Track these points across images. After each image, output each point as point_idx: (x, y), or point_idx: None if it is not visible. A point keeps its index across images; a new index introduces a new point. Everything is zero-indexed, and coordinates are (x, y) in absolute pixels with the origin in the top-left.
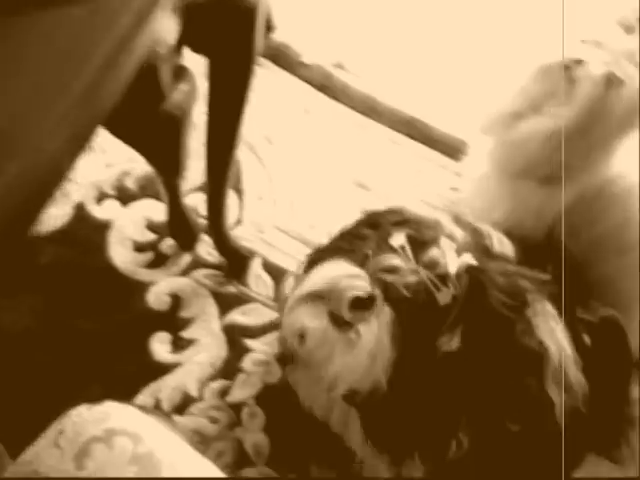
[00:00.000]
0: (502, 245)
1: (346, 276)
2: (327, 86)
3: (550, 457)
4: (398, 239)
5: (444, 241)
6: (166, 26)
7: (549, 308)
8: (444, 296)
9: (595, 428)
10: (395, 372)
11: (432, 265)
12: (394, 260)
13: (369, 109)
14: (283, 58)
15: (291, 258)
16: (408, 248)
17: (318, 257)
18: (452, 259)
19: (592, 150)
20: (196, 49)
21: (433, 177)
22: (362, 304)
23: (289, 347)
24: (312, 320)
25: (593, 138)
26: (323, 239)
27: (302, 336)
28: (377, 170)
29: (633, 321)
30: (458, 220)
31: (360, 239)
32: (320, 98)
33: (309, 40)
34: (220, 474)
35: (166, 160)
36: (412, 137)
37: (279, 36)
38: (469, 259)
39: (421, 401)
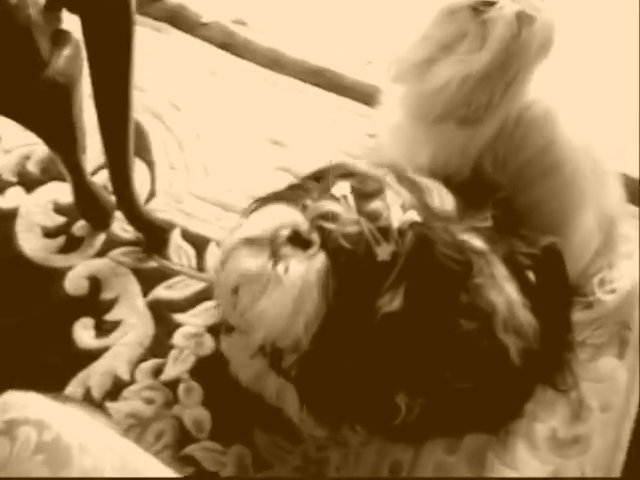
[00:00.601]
0: (442, 201)
1: (285, 218)
2: (230, 44)
3: (502, 395)
4: (341, 188)
5: (389, 195)
6: None
7: (495, 262)
8: (384, 251)
9: (544, 361)
10: (326, 329)
11: (374, 217)
12: (334, 206)
13: (275, 63)
14: (182, 20)
15: (212, 225)
16: (351, 198)
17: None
18: (396, 213)
19: (509, 87)
20: (71, 9)
21: (349, 126)
22: (299, 243)
23: (224, 309)
24: (250, 261)
25: (510, 75)
26: (243, 202)
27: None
28: (291, 125)
29: (569, 242)
30: (400, 176)
31: (303, 190)
32: (224, 57)
33: None
34: (134, 450)
35: (59, 135)
36: (323, 87)
37: None
38: (414, 215)
39: (358, 364)
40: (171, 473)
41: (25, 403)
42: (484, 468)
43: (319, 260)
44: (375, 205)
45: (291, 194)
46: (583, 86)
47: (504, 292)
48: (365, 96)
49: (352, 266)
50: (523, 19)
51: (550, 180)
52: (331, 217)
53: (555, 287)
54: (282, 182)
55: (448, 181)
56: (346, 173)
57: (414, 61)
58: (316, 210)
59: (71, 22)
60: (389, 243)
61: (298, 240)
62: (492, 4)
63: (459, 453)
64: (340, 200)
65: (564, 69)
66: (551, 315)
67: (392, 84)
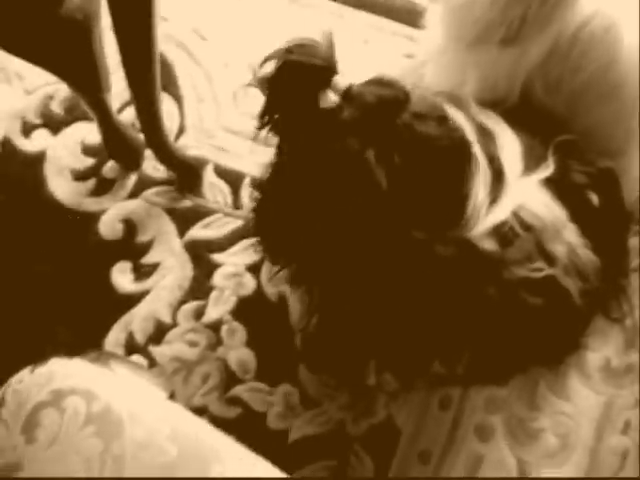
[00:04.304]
0: (509, 147)
1: None
2: None
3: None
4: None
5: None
6: None
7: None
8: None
9: (602, 293)
10: None
11: None
12: None
13: None
14: None
15: (245, 159)
16: None
17: None
18: None
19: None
20: None
21: (383, 46)
22: None
23: None
24: None
25: None
26: None
27: None
28: None
29: (628, 168)
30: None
31: None
32: None
33: None
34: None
35: (81, 74)
36: (353, 5)
37: None
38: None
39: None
40: (223, 437)
41: (70, 372)
42: (536, 400)
43: None
44: None
45: None
46: None
47: (564, 239)
48: (399, 12)
49: None
50: None
51: (611, 103)
52: None
53: (612, 210)
54: None
55: (496, 106)
56: None
57: None
58: None
59: None
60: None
61: None
62: None
63: (510, 386)
64: None
65: None
66: (608, 241)
67: (430, 2)
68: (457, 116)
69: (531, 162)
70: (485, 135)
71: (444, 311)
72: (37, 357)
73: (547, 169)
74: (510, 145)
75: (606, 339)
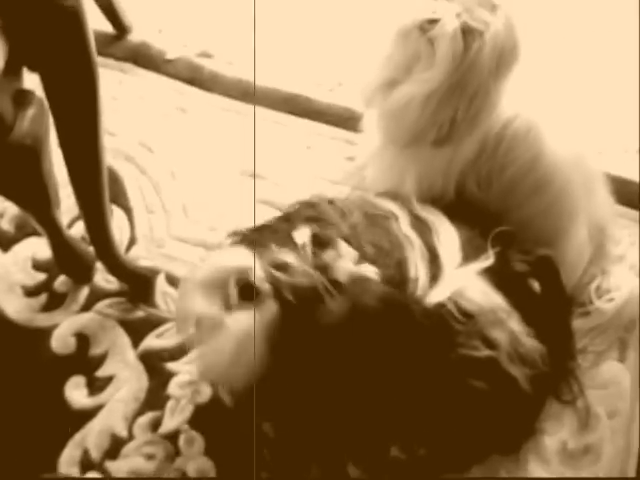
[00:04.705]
0: (448, 238)
1: (239, 264)
2: (197, 78)
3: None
4: (302, 235)
5: (343, 246)
6: None
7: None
8: (334, 303)
9: (551, 377)
10: (271, 379)
11: (327, 270)
12: (288, 257)
13: (245, 94)
14: (146, 58)
15: (196, 267)
16: (309, 246)
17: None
18: (348, 266)
19: (473, 103)
20: (32, 68)
21: (325, 151)
22: (250, 293)
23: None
24: (201, 303)
25: (470, 91)
26: (224, 239)
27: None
28: (266, 155)
29: (563, 255)
30: (409, 211)
31: (271, 231)
32: (193, 92)
33: (169, 34)
34: None
35: (32, 196)
36: (295, 114)
37: (138, 36)
38: (370, 270)
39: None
40: None
41: None
42: None
43: (269, 310)
44: (330, 257)
45: (259, 236)
46: (564, 94)
47: (505, 327)
48: (339, 119)
49: (302, 317)
50: (468, 33)
51: (540, 195)
52: (284, 267)
53: (553, 296)
54: (263, 216)
55: (435, 203)
56: (312, 217)
57: (379, 83)
58: (271, 259)
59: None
60: (341, 295)
61: (249, 288)
62: (436, 22)
63: (471, 476)
64: (298, 248)
65: (545, 80)
66: (552, 326)
67: (366, 109)
68: (395, 210)
69: (470, 253)
70: (424, 227)
71: (397, 394)
72: None
73: (487, 260)
74: (449, 237)
75: (561, 422)
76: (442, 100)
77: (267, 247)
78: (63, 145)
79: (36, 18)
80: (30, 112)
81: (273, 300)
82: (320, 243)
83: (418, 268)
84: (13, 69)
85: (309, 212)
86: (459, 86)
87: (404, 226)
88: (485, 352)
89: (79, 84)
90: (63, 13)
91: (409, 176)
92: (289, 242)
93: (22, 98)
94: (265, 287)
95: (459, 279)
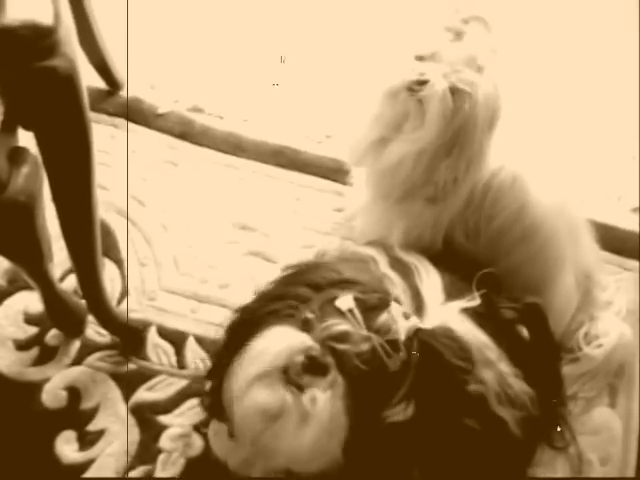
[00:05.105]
0: (430, 281)
1: (294, 343)
2: (188, 133)
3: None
4: (346, 302)
5: (394, 305)
6: None
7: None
8: (395, 363)
9: (542, 422)
10: (348, 444)
11: (383, 331)
12: (344, 326)
13: (235, 147)
14: (138, 113)
15: (187, 319)
16: (357, 312)
17: (246, 322)
18: (402, 324)
19: (463, 160)
20: (26, 127)
21: (314, 202)
22: (316, 369)
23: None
24: (269, 394)
25: (461, 148)
26: (217, 292)
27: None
28: (256, 208)
29: (551, 302)
30: (389, 256)
31: (299, 300)
32: (184, 147)
33: (161, 89)
34: None
35: (25, 252)
36: (284, 166)
37: (130, 92)
38: (417, 323)
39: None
40: None
41: None
42: None
43: (340, 384)
44: (382, 318)
45: (286, 308)
46: (546, 144)
47: (493, 365)
48: (327, 171)
49: (368, 381)
50: (457, 93)
51: (527, 244)
52: (343, 337)
53: (542, 342)
54: (254, 267)
55: (423, 253)
56: (343, 280)
57: (369, 142)
58: (326, 331)
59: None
60: (398, 354)
61: (314, 365)
62: (424, 83)
63: None
64: (346, 316)
65: (526, 131)
66: (541, 371)
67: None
68: (374, 254)
69: (454, 294)
70: (405, 269)
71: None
72: None
73: (472, 300)
74: (431, 277)
75: (553, 469)
76: (434, 158)
77: (299, 317)
78: (56, 199)
79: (31, 81)
80: (25, 170)
81: (337, 372)
82: (366, 308)
83: (402, 301)
84: (8, 127)
85: (333, 275)
86: (450, 144)
87: (383, 267)
88: (474, 387)
89: (73, 142)
90: (58, 77)
91: (397, 229)
92: (331, 311)
93: (17, 156)
94: (329, 360)
95: (443, 314)
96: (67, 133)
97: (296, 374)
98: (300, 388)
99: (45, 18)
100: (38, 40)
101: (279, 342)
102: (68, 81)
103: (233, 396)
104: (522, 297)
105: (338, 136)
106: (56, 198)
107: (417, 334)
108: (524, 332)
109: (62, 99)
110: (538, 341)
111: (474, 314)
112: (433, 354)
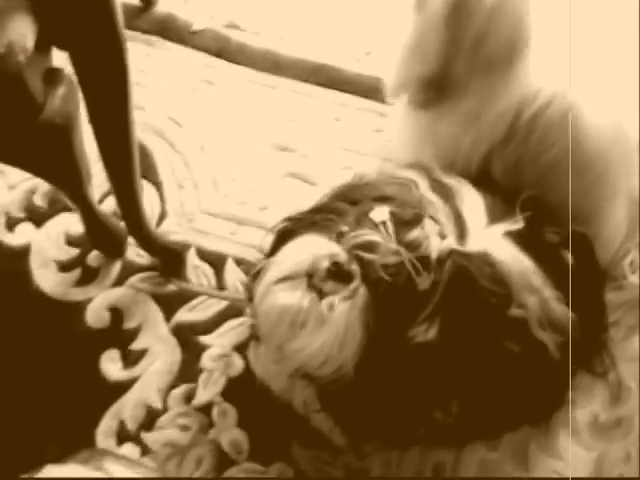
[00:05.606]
0: (472, 204)
1: (322, 250)
2: (224, 50)
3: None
4: (380, 214)
5: (428, 222)
6: (19, 29)
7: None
8: (424, 281)
9: (583, 347)
10: (366, 359)
11: (414, 246)
12: (374, 236)
13: (273, 65)
14: (173, 31)
15: (227, 241)
16: (390, 225)
17: (289, 231)
18: (435, 242)
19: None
20: (61, 46)
21: (353, 122)
22: (340, 276)
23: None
24: (288, 296)
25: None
26: (256, 214)
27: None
28: (295, 128)
29: (598, 233)
30: (430, 179)
31: (337, 214)
32: (220, 65)
33: (195, 5)
34: None
35: (64, 174)
36: (323, 85)
37: (163, 8)
38: (452, 244)
39: (394, 388)
40: None
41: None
42: (528, 461)
43: (361, 294)
44: (414, 234)
45: (324, 219)
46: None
47: (536, 290)
48: (367, 89)
49: (392, 296)
50: None
51: (580, 178)
52: (371, 247)
53: (586, 267)
54: (293, 189)
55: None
56: (382, 196)
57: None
58: (355, 239)
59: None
60: (429, 273)
61: (338, 272)
62: None
63: (501, 448)
64: (379, 227)
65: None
66: (584, 296)
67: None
68: (415, 177)
69: (497, 216)
70: (447, 192)
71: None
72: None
73: (516, 223)
74: (473, 200)
75: (592, 395)
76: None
77: (335, 230)
78: (93, 121)
79: None
80: (60, 91)
81: (361, 282)
82: (399, 222)
83: (444, 227)
84: (42, 48)
85: (375, 192)
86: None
87: (424, 190)
88: (516, 311)
89: (108, 61)
90: None
91: (428, 151)
92: (365, 222)
93: (52, 77)
94: (354, 269)
95: (487, 238)
96: (102, 52)
97: (320, 279)
98: (321, 293)
99: None
100: None
101: (306, 248)
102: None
103: (257, 297)
104: (566, 224)
105: (378, 53)
106: (93, 119)
107: (451, 255)
108: (568, 257)
109: (96, 17)
110: (582, 267)
111: (518, 237)
112: (466, 277)
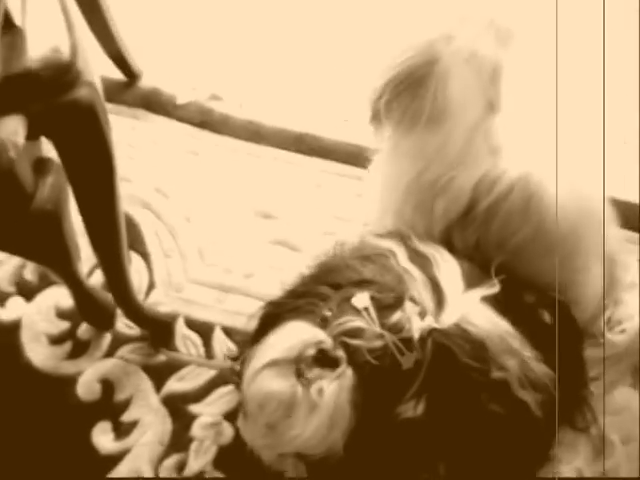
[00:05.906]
0: (448, 269)
1: (308, 337)
2: (208, 122)
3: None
4: (362, 300)
5: (408, 304)
6: (11, 127)
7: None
8: (408, 360)
9: (564, 403)
10: (352, 437)
11: (397, 329)
12: (358, 322)
13: (255, 135)
14: (157, 104)
15: (214, 309)
16: (372, 310)
17: (273, 315)
18: (416, 323)
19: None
20: (47, 135)
21: (335, 188)
22: (326, 362)
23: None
24: (276, 382)
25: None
26: (242, 282)
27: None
28: (278, 195)
29: (575, 298)
30: (406, 246)
31: (320, 298)
32: (204, 136)
33: (179, 79)
34: None
35: (54, 256)
36: (304, 153)
37: (148, 82)
38: (432, 322)
39: (381, 460)
40: None
41: None
42: None
43: (348, 377)
44: (396, 317)
45: (307, 304)
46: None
47: (515, 352)
48: (347, 156)
49: (378, 377)
50: None
51: (552, 255)
52: (356, 333)
53: (564, 326)
54: (277, 256)
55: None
56: (362, 280)
57: None
58: (340, 327)
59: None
60: (412, 352)
61: (324, 358)
62: None
63: None
64: (362, 313)
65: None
66: (564, 356)
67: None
68: (393, 247)
69: (473, 281)
70: (424, 260)
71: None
72: None
73: (492, 287)
74: (449, 267)
75: (576, 450)
76: None
77: (319, 314)
78: (79, 199)
79: (55, 116)
80: (50, 179)
81: (347, 366)
82: (381, 306)
83: (422, 297)
84: (32, 137)
85: (354, 276)
86: None
87: (402, 261)
88: (497, 374)
89: (95, 159)
90: (80, 108)
91: (401, 217)
92: (348, 308)
93: (41, 166)
94: (340, 355)
95: (464, 304)
96: (90, 154)
97: (306, 366)
98: (308, 380)
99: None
100: (59, 77)
101: (293, 335)
102: (90, 109)
103: (245, 381)
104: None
105: (355, 120)
106: (79, 198)
107: (431, 334)
108: (545, 316)
109: (84, 126)
110: (561, 327)
111: (494, 301)
112: (447, 354)
